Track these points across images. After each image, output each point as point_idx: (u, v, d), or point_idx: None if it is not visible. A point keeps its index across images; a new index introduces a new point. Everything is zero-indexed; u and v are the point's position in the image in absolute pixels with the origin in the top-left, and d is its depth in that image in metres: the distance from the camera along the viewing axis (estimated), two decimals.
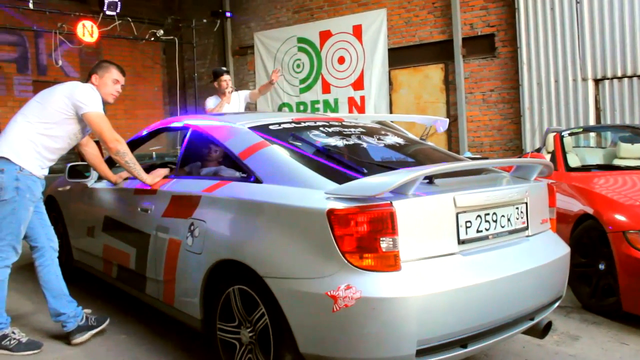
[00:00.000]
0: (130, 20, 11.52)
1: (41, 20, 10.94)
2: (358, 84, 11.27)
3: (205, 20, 12.83)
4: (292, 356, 2.83)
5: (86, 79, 4.15)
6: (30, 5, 10.17)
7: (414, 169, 2.94)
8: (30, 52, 11.68)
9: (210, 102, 7.01)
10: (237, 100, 7.05)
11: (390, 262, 2.65)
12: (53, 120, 3.90)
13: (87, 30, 10.66)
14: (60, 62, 10.95)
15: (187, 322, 3.61)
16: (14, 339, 3.87)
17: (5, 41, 11.11)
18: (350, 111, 11.24)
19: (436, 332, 2.67)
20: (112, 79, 4.14)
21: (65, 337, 4.06)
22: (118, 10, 10.66)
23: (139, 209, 4.09)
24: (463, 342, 2.80)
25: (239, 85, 13.14)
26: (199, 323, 3.44)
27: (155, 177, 4.08)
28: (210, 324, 3.34)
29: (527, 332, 3.32)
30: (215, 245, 3.27)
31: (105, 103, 4.09)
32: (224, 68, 7.49)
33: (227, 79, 6.94)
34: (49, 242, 4.06)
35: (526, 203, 3.27)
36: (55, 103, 3.90)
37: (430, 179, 3.02)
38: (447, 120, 5.58)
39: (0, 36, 10.93)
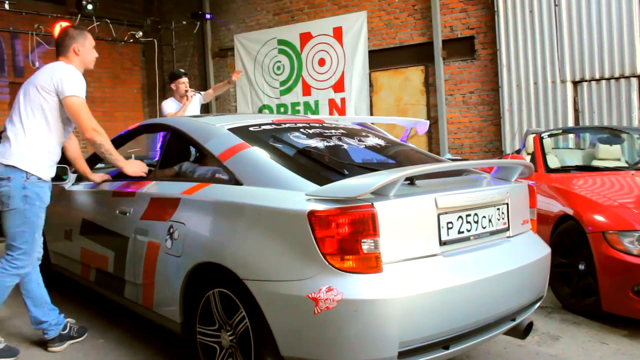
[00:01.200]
0: (108, 21, 11.42)
1: (17, 22, 10.79)
2: (338, 86, 11.26)
3: (184, 22, 12.76)
4: (273, 359, 2.80)
5: (61, 54, 3.96)
6: (7, 6, 10.04)
7: (395, 170, 2.93)
8: (7, 53, 11.49)
9: (169, 105, 6.88)
10: (196, 102, 6.97)
11: (371, 264, 2.63)
12: (43, 110, 3.76)
13: None
14: (37, 64, 10.76)
15: (166, 325, 3.57)
16: None
17: None
18: (331, 113, 11.23)
19: (418, 333, 2.66)
20: (92, 45, 4.04)
21: (42, 344, 3.99)
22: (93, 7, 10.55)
23: (117, 212, 4.03)
24: (445, 344, 2.79)
25: None
26: (179, 326, 3.39)
27: (134, 167, 4.04)
28: (190, 328, 3.29)
29: (508, 332, 3.32)
30: (195, 247, 3.23)
31: (87, 70, 4.03)
32: (182, 70, 7.43)
33: (185, 82, 6.88)
34: None
35: (507, 204, 3.27)
36: (40, 89, 3.76)
37: (411, 180, 3.01)
38: (428, 122, 5.60)
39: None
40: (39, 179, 3.74)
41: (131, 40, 12.16)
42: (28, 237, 3.72)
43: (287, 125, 3.83)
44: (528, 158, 6.26)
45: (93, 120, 3.85)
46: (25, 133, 3.74)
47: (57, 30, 10.42)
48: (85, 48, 3.98)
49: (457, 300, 2.79)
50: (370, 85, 10.96)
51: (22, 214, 3.68)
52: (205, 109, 12.61)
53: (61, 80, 3.74)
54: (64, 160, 4.34)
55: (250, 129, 3.67)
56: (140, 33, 12.05)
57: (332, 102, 11.34)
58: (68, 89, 3.74)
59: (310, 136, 3.65)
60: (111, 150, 3.94)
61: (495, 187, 3.32)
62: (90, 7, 10.54)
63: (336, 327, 2.60)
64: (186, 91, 6.78)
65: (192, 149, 4.05)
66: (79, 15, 10.74)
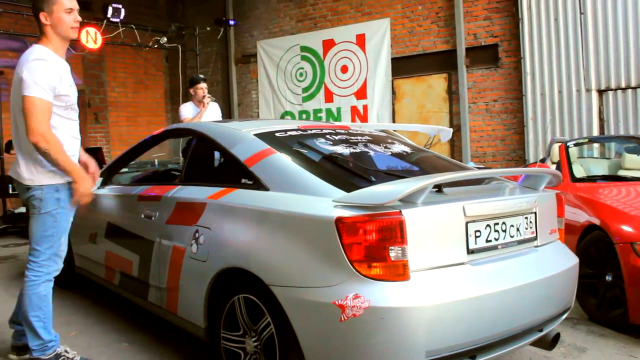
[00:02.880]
0: (134, 27, 11.51)
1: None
2: (361, 93, 11.25)
3: (208, 28, 12.83)
4: None
5: (39, 32, 3.51)
6: None
7: (423, 177, 2.92)
8: None
9: (187, 110, 6.93)
10: (214, 108, 7.01)
11: (399, 272, 2.62)
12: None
13: (91, 37, 10.64)
14: None
15: (190, 330, 3.57)
16: (68, 358, 3.64)
17: (8, 47, 11.07)
18: (353, 120, 11.21)
19: (445, 342, 2.63)
20: (63, 10, 3.45)
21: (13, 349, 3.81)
22: (122, 17, 10.64)
23: (142, 216, 4.06)
24: (472, 354, 2.76)
25: (242, 94, 13.14)
26: (203, 331, 3.39)
27: (85, 183, 3.50)
28: (215, 333, 3.30)
29: (535, 343, 3.29)
30: (221, 252, 3.23)
31: (69, 39, 3.57)
32: (202, 76, 7.46)
33: (204, 87, 6.92)
34: None
35: (535, 213, 3.24)
36: (17, 95, 3.40)
37: (439, 188, 2.99)
38: (451, 129, 5.55)
39: (3, 42, 10.89)
40: (69, 181, 3.55)
41: (155, 46, 12.25)
42: (55, 242, 3.56)
43: (313, 132, 3.83)
44: (553, 167, 6.19)
45: (43, 124, 3.33)
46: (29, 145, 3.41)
47: (83, 35, 10.55)
48: (54, 16, 3.45)
49: (484, 310, 2.76)
50: (393, 92, 10.94)
51: (54, 217, 3.51)
52: (228, 115, 12.72)
53: (21, 75, 3.35)
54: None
55: (277, 134, 3.68)
56: (165, 39, 12.12)
57: (354, 109, 11.33)
58: (25, 87, 3.31)
59: (336, 142, 3.65)
60: (60, 159, 3.39)
61: (523, 195, 3.29)
62: (114, 20, 10.62)
63: (362, 335, 2.59)
64: (204, 96, 6.82)
65: (218, 154, 4.04)
66: (105, 21, 10.84)
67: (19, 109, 3.41)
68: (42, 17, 3.46)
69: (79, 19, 3.57)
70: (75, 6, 3.54)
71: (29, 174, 3.51)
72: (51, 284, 3.62)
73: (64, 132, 3.54)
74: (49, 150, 3.34)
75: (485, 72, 10.00)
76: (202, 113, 6.74)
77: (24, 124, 3.38)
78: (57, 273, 3.65)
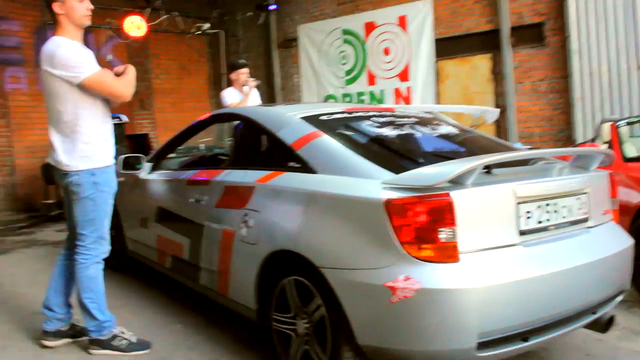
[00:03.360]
0: (177, 14, 11.63)
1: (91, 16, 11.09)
2: (404, 75, 11.15)
3: (250, 14, 12.86)
4: (350, 347, 2.82)
5: (49, 14, 3.62)
6: None
7: (472, 158, 2.89)
8: None
9: (231, 95, 6.87)
10: (255, 95, 7.01)
11: (449, 253, 2.61)
12: (67, 102, 3.54)
13: (136, 25, 10.81)
14: (110, 57, 11.13)
15: (242, 312, 3.63)
16: (124, 338, 3.76)
17: None
18: (397, 102, 11.13)
19: (497, 324, 2.62)
20: None
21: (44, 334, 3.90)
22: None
23: (192, 200, 4.12)
24: (524, 336, 2.74)
25: (284, 78, 13.16)
26: (254, 313, 3.45)
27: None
28: (266, 315, 3.35)
29: (588, 326, 3.23)
30: (270, 235, 3.27)
31: (83, 27, 3.67)
32: (242, 61, 7.44)
33: (246, 72, 6.91)
34: None
35: (587, 193, 3.18)
36: (49, 85, 3.55)
37: (488, 169, 2.96)
38: (497, 110, 5.47)
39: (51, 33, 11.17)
40: (105, 165, 3.68)
41: (198, 32, 12.36)
42: (98, 225, 3.67)
43: (359, 114, 3.82)
44: (604, 147, 6.05)
45: (119, 87, 3.61)
46: (69, 129, 3.58)
47: (127, 24, 10.73)
48: (67, 5, 3.54)
49: (536, 292, 2.73)
50: (436, 74, 10.82)
51: (93, 202, 3.62)
52: (271, 99, 12.76)
53: (62, 66, 3.47)
54: (139, 149, 4.43)
55: (322, 117, 3.68)
56: (207, 25, 12.22)
57: (397, 92, 11.25)
58: (76, 72, 3.46)
59: (382, 125, 3.64)
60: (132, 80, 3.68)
61: (574, 175, 3.23)
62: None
63: (414, 316, 2.59)
64: (246, 81, 6.84)
65: (265, 138, 4.06)
66: (149, 9, 10.98)
67: (53, 97, 3.56)
68: (56, 7, 3.55)
69: (91, 6, 3.67)
70: None
71: (66, 159, 3.62)
72: (101, 266, 3.75)
73: (97, 113, 3.65)
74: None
75: (531, 52, 9.79)
76: (247, 98, 6.77)
77: (59, 110, 3.55)
78: (105, 255, 3.77)
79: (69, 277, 3.89)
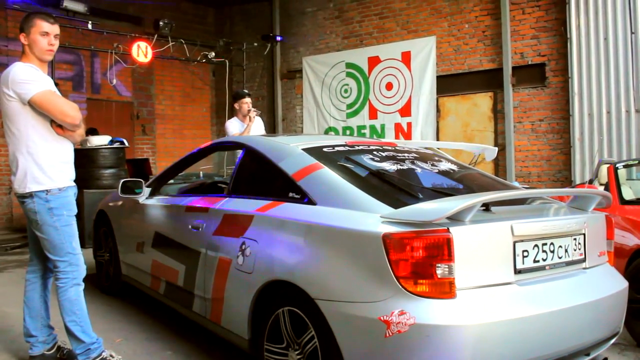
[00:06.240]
0: (183, 42, 11.76)
1: (98, 41, 11.23)
2: (405, 110, 11.24)
3: (255, 44, 13.02)
4: None
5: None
6: (89, 26, 10.46)
7: (471, 195, 2.91)
8: (86, 70, 11.97)
9: (233, 126, 7.00)
10: (259, 122, 7.10)
11: (445, 289, 2.61)
12: (19, 123, 3.57)
13: (142, 51, 10.92)
14: (114, 81, 11.23)
15: (234, 341, 3.61)
16: None
17: (63, 60, 11.44)
18: (397, 137, 11.21)
19: None
20: (39, 32, 3.61)
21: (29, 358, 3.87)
22: (170, 31, 10.93)
23: (190, 227, 4.12)
24: None
25: (286, 109, 13.25)
26: (246, 343, 3.43)
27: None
28: (258, 345, 3.33)
29: None
30: (267, 265, 3.27)
31: (45, 61, 3.70)
32: (246, 91, 7.58)
33: (248, 102, 7.04)
34: (46, 260, 3.83)
35: (584, 234, 3.19)
36: (4, 105, 3.59)
37: (486, 206, 2.98)
38: (496, 149, 5.52)
39: (59, 55, 11.27)
40: (60, 189, 3.64)
41: (203, 61, 12.49)
42: (67, 248, 3.63)
43: (361, 147, 3.85)
44: (601, 189, 6.07)
45: (64, 107, 3.58)
46: (22, 151, 3.59)
47: (134, 50, 10.85)
48: (31, 37, 3.62)
49: (531, 331, 2.73)
50: (437, 110, 10.91)
51: (55, 228, 3.60)
52: (272, 129, 12.85)
53: (14, 83, 3.51)
54: (139, 174, 4.45)
55: (324, 149, 3.71)
56: (213, 53, 12.35)
57: (398, 126, 11.33)
58: (25, 91, 3.50)
59: (383, 159, 3.66)
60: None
61: (572, 216, 3.24)
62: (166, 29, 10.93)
63: (407, 352, 2.58)
64: (249, 111, 6.93)
65: (266, 168, 4.08)
66: (156, 35, 11.11)
67: (8, 117, 3.59)
68: (22, 37, 3.66)
69: (54, 42, 3.70)
70: (53, 31, 3.67)
71: (18, 182, 3.63)
72: (80, 288, 3.72)
73: (49, 134, 3.65)
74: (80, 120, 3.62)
75: (532, 92, 9.90)
76: (249, 127, 6.84)
77: (12, 132, 3.59)
78: (83, 275, 3.74)
79: (40, 299, 3.88)
